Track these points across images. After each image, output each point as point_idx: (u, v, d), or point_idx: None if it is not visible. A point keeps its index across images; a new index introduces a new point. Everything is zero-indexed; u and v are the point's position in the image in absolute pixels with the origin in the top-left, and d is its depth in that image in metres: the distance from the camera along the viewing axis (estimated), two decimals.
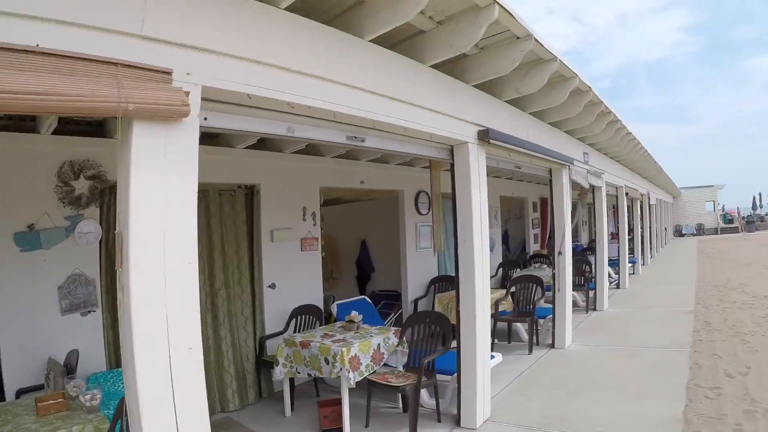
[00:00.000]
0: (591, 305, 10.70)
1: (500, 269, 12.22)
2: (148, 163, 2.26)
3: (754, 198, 49.21)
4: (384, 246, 10.05)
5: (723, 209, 46.27)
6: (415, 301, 8.96)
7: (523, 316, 7.92)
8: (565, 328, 7.69)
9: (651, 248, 21.17)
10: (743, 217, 43.47)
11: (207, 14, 2.56)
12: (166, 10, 2.37)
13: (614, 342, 7.97)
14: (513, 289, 8.22)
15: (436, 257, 9.55)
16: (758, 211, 47.73)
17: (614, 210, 17.91)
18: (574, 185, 8.42)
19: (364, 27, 3.50)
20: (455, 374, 5.08)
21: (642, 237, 19.13)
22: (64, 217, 4.59)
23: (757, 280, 13.83)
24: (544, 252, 13.44)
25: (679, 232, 40.44)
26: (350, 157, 7.64)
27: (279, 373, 5.35)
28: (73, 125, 4.66)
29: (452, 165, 4.85)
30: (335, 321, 6.80)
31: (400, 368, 5.57)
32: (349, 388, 4.80)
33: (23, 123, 4.33)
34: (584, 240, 20.71)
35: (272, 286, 6.51)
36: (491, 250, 12.07)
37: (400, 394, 5.41)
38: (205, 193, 5.83)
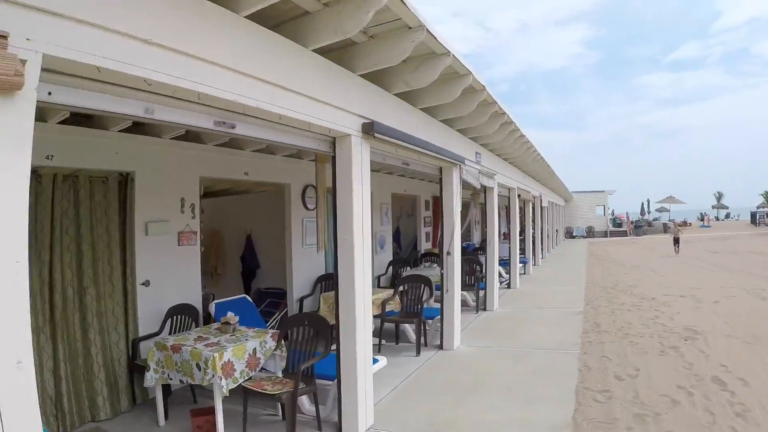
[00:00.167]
0: (481, 305, 10.99)
1: (390, 267, 12.30)
2: None
3: (642, 204, 53.52)
4: (270, 241, 9.83)
5: (613, 213, 49.86)
6: (301, 300, 8.83)
7: (411, 316, 7.93)
8: (453, 330, 7.80)
9: (542, 249, 22.13)
10: (632, 222, 47.34)
11: None
12: None
13: (504, 343, 8.19)
14: (401, 288, 8.21)
15: (323, 254, 9.42)
16: (646, 217, 52.06)
17: (506, 211, 18.51)
18: (467, 185, 8.53)
19: (240, 1, 3.29)
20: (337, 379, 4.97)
21: (533, 238, 19.91)
22: None
23: (645, 283, 14.79)
24: (436, 251, 13.63)
25: (570, 234, 42.95)
26: (234, 146, 7.38)
27: (150, 379, 5.06)
28: None
29: (333, 158, 4.72)
30: (214, 322, 6.52)
31: (279, 374, 5.42)
32: (225, 395, 4.60)
33: None
34: (476, 240, 21.30)
35: (146, 283, 6.12)
36: (381, 247, 12.14)
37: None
38: (74, 179, 5.41)
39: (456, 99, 6.36)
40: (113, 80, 2.68)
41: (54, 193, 5.14)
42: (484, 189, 10.81)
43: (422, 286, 8.04)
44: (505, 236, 17.75)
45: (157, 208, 6.31)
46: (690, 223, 54.32)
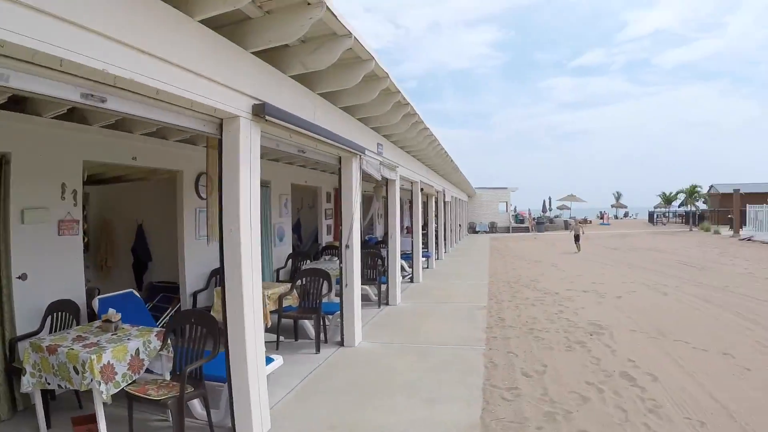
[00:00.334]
0: (383, 300, 11.02)
1: (290, 260, 12.20)
2: None
3: (544, 201, 56.06)
4: (163, 232, 9.44)
5: (515, 210, 51.81)
6: (194, 295, 8.61)
7: (310, 312, 7.80)
8: (354, 325, 7.74)
9: (445, 244, 22.55)
10: (534, 218, 49.45)
11: None
12: None
13: (407, 339, 8.20)
14: (299, 282, 8.05)
15: (218, 247, 9.10)
16: (548, 214, 54.59)
17: (410, 205, 18.74)
18: (368, 177, 8.47)
19: None
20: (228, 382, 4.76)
21: (436, 232, 20.21)
22: None
23: (547, 277, 15.40)
24: (337, 244, 13.57)
25: (473, 230, 44.45)
26: (122, 128, 7.00)
27: (27, 384, 4.66)
28: None
29: (220, 142, 4.48)
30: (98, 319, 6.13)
31: (167, 376, 5.10)
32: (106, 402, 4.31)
33: None
34: (379, 233, 21.40)
35: (23, 276, 5.66)
36: (280, 239, 12.01)
37: None
38: None
39: (357, 85, 6.27)
40: None
41: None
42: (386, 181, 10.81)
43: (321, 280, 7.93)
44: (408, 230, 17.92)
45: (34, 194, 5.90)
46: (590, 221, 57.37)
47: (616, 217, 73.04)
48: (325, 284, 7.93)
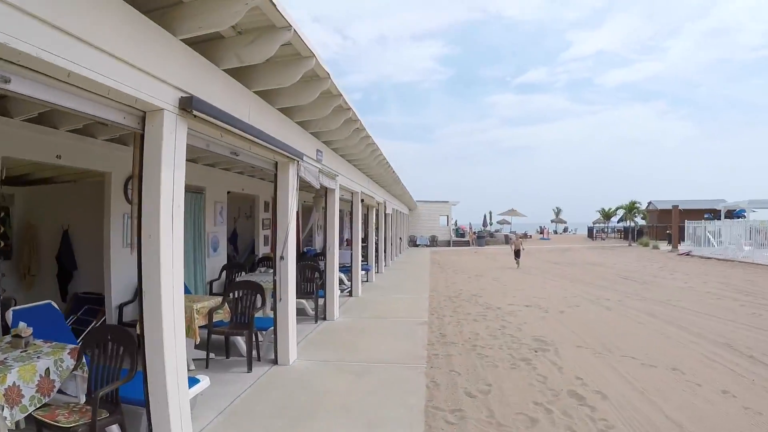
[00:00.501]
0: (321, 314, 10.78)
1: (224, 272, 11.91)
2: None
3: (485, 215, 57.10)
4: (89, 239, 8.91)
5: (456, 224, 52.52)
6: (121, 307, 8.14)
7: (241, 328, 7.51)
8: (288, 342, 7.45)
9: (386, 257, 22.42)
10: (474, 232, 50.32)
11: None
12: None
13: (345, 357, 7.95)
14: (231, 296, 7.69)
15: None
16: (488, 228, 55.49)
17: (350, 216, 18.61)
18: (306, 185, 8.21)
19: None
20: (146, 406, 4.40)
21: (377, 245, 20.10)
22: None
23: (488, 292, 15.42)
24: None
25: (413, 243, 44.83)
26: (47, 123, 6.53)
27: None
28: None
29: (142, 137, 4.14)
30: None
31: (82, 399, 4.71)
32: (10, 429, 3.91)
33: None
34: (319, 245, 21.12)
35: None
36: (214, 250, 11.68)
37: None
38: None
39: (296, 85, 6.09)
40: None
41: None
42: (326, 191, 10.58)
43: (254, 293, 7.63)
44: (348, 242, 17.75)
45: None
46: (530, 236, 58.66)
47: (555, 232, 75.04)
48: (259, 298, 7.62)
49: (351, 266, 14.56)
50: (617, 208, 52.73)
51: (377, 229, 20.69)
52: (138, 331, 4.44)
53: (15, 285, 8.96)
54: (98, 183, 8.33)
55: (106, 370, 4.56)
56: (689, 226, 34.18)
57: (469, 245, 46.92)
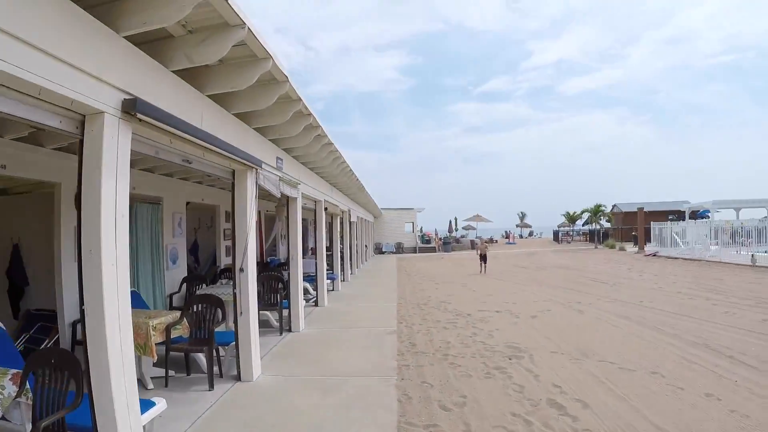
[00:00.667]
0: (285, 326, 10.55)
1: (184, 285, 11.60)
2: None
3: (450, 221, 57.61)
4: (41, 253, 8.51)
5: (421, 230, 52.80)
6: (74, 325, 7.76)
7: (201, 344, 7.17)
8: (251, 357, 7.16)
9: (351, 265, 22.24)
10: (440, 238, 50.78)
11: None
12: None
13: (311, 371, 7.66)
14: (189, 310, 7.37)
15: None
16: (454, 234, 55.97)
17: (314, 224, 18.42)
18: (266, 193, 7.94)
19: None
20: None
21: (342, 253, 19.94)
22: None
23: (457, 298, 15.29)
24: None
25: (379, 250, 45.02)
26: None
27: None
28: None
29: (81, 143, 3.81)
30: None
31: (28, 427, 4.37)
32: None
33: None
34: (283, 255, 20.84)
35: None
36: (174, 262, 11.42)
37: None
38: None
39: (253, 88, 5.87)
40: None
41: None
42: (287, 199, 10.31)
43: (213, 307, 7.31)
44: (313, 251, 17.53)
45: None
46: (496, 240, 59.14)
47: (521, 236, 75.70)
48: (219, 311, 7.30)
49: (316, 275, 14.30)
50: (582, 212, 53.51)
51: (342, 237, 20.50)
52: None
53: None
54: (49, 195, 7.97)
55: (53, 395, 4.21)
56: (655, 227, 35.01)
57: (435, 251, 47.28)
